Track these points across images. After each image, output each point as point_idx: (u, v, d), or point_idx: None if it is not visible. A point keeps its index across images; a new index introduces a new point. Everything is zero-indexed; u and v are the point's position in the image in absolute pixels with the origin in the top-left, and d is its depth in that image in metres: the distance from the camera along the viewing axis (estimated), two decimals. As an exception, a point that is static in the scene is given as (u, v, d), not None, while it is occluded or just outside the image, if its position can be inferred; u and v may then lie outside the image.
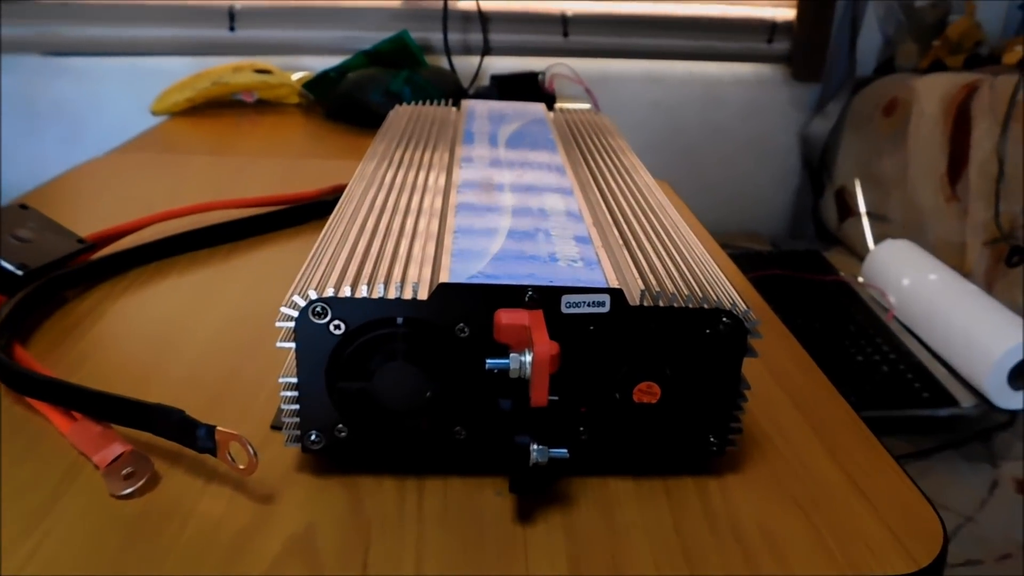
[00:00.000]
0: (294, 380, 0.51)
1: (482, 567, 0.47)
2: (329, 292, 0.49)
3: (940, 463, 1.49)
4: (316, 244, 0.58)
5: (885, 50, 2.35)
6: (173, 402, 0.55)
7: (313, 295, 0.49)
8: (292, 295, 0.49)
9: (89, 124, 2.17)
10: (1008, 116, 1.80)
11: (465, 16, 2.17)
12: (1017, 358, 1.57)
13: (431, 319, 0.50)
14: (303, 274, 0.53)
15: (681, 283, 0.53)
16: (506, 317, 0.49)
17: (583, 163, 0.79)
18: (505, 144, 0.83)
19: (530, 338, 0.48)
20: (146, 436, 0.56)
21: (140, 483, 0.52)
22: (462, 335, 0.51)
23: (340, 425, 0.53)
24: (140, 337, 0.71)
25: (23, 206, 0.83)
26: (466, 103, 1.02)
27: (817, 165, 2.41)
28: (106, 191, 1.09)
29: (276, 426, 0.59)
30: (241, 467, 0.52)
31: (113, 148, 1.37)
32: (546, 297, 0.50)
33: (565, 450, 0.51)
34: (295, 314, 0.49)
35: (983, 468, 1.47)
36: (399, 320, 0.50)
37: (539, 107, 1.03)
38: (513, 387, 0.50)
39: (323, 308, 0.49)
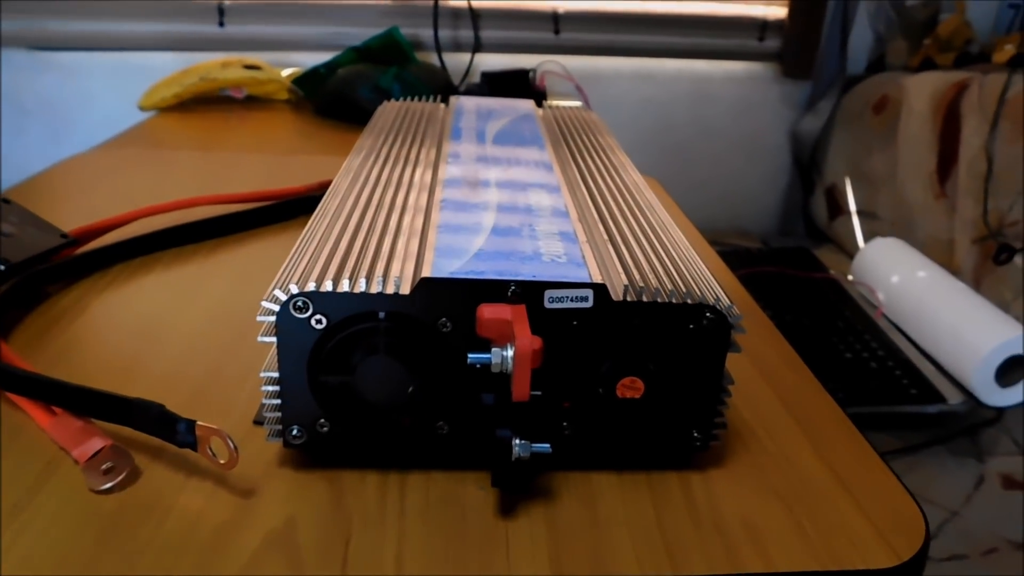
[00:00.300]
0: (275, 375, 0.51)
1: (464, 561, 0.47)
2: (311, 286, 0.49)
3: (927, 458, 1.50)
4: (299, 239, 0.58)
5: (876, 48, 2.36)
6: (155, 397, 0.54)
7: (294, 289, 0.49)
8: (273, 289, 0.49)
9: (76, 119, 2.17)
10: (997, 114, 1.80)
11: (456, 13, 2.17)
12: (1004, 355, 1.57)
13: (413, 314, 0.50)
14: (285, 268, 0.53)
15: (665, 278, 0.53)
16: (488, 312, 0.49)
17: (571, 160, 0.79)
18: (493, 141, 0.83)
19: (512, 333, 0.48)
20: (127, 431, 0.55)
21: (120, 478, 0.52)
22: (444, 330, 0.50)
23: (322, 420, 0.52)
24: (122, 333, 0.71)
25: (5, 200, 0.82)
26: (455, 99, 1.02)
27: (807, 163, 2.42)
28: (92, 186, 1.08)
29: (258, 421, 0.59)
30: (222, 462, 0.52)
31: (100, 143, 1.37)
32: (529, 292, 0.50)
33: (547, 445, 0.51)
34: (276, 308, 0.49)
35: (970, 464, 1.48)
36: (381, 315, 0.50)
37: (528, 104, 1.03)
38: (495, 382, 0.50)
39: (304, 302, 0.49)
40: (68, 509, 0.50)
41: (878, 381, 1.66)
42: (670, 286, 0.52)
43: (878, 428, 1.57)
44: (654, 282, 0.52)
